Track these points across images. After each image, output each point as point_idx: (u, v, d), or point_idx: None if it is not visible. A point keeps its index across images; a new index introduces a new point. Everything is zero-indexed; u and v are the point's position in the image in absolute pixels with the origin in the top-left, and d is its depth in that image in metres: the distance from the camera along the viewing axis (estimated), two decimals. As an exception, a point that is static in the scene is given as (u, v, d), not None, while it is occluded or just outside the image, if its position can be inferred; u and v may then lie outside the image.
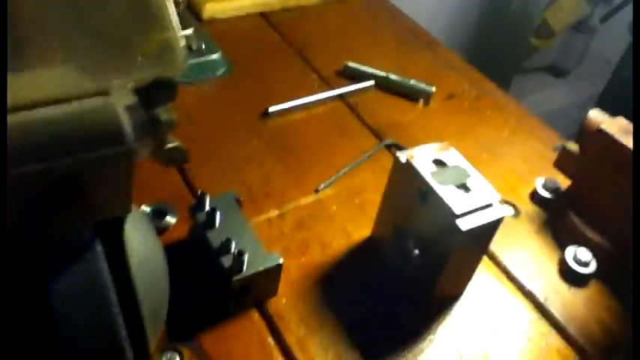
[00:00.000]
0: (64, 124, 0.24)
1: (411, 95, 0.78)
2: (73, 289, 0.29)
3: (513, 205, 0.65)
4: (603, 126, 0.57)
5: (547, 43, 1.85)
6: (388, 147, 0.70)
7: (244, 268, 0.46)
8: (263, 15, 0.90)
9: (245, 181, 0.62)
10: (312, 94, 0.74)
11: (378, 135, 0.71)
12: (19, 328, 0.28)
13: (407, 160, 0.50)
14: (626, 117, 0.58)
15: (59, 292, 0.29)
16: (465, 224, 0.46)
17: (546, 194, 0.64)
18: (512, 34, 1.89)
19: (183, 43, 0.27)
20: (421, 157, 0.51)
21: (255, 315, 0.50)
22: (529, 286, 0.56)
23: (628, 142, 0.56)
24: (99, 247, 0.30)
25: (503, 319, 0.53)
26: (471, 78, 0.84)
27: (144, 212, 0.49)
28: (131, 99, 0.26)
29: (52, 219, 0.27)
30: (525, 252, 0.60)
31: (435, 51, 0.89)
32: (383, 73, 0.78)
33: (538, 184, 0.65)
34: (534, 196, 0.65)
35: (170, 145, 0.30)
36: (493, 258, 0.59)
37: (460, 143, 0.72)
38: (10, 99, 0.23)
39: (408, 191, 0.51)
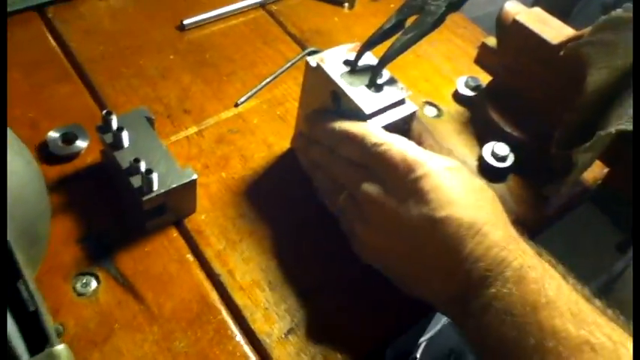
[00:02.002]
0: None
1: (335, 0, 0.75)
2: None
3: (436, 106, 0.65)
4: (518, 17, 0.56)
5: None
6: (310, 54, 0.68)
7: (155, 186, 0.45)
8: None
9: (162, 97, 0.60)
10: (231, 3, 0.71)
11: (301, 43, 0.69)
12: None
13: (317, 64, 0.49)
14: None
15: None
16: (376, 123, 0.46)
17: (468, 92, 0.64)
18: None
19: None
20: (332, 59, 0.49)
21: (174, 232, 0.50)
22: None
23: (544, 31, 0.55)
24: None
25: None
26: (398, -23, 0.81)
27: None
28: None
29: None
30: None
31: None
32: (304, -23, 0.75)
33: (460, 82, 0.65)
34: (457, 95, 0.65)
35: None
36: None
37: (385, 45, 0.71)
38: None
39: (321, 96, 0.50)
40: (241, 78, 0.63)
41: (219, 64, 0.64)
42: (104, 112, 0.48)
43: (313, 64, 0.49)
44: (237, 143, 0.57)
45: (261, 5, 0.73)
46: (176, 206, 0.49)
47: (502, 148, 0.58)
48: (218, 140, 0.57)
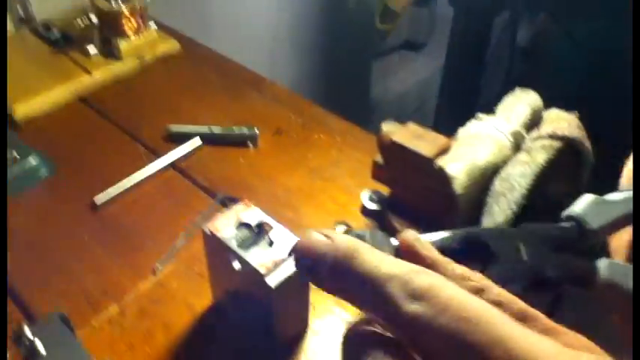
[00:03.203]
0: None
1: (240, 141, 0.80)
2: None
3: (346, 224, 0.68)
4: (395, 138, 0.61)
5: (393, 25, 1.94)
6: (223, 202, 0.71)
7: (74, 390, 0.46)
8: (82, 99, 0.89)
9: (80, 283, 0.61)
10: (142, 169, 0.75)
11: (212, 193, 0.73)
12: None
13: (211, 232, 0.52)
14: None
15: None
16: (273, 280, 0.48)
17: (373, 206, 0.68)
18: (359, 25, 1.96)
19: None
20: (224, 224, 0.52)
21: None
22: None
23: (418, 146, 0.60)
24: None
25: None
26: (296, 107, 0.87)
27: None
28: None
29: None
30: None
31: (260, 88, 0.91)
32: (205, 129, 0.80)
33: (363, 197, 0.69)
34: (364, 210, 0.69)
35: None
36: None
37: (293, 176, 0.75)
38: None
39: (222, 259, 0.52)
40: (157, 244, 0.66)
41: (135, 235, 0.67)
42: (13, 325, 0.49)
43: (208, 232, 0.52)
44: (159, 313, 0.59)
45: (172, 165, 0.76)
46: (101, 401, 0.49)
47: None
48: (140, 315, 0.58)
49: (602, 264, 0.30)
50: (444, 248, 0.29)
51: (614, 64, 1.01)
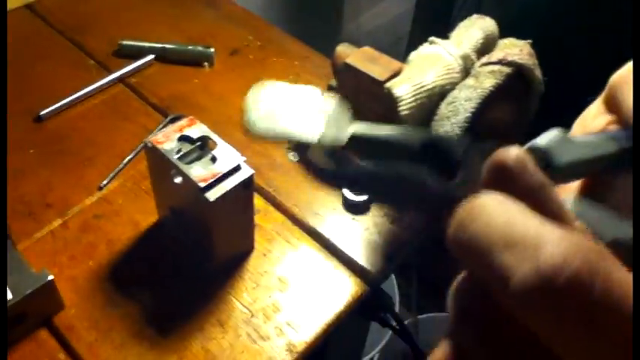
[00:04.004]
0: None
1: (194, 61, 0.77)
2: None
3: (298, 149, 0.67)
4: (348, 59, 0.60)
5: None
6: (173, 121, 0.69)
7: (9, 296, 0.46)
8: (29, 6, 0.84)
9: (23, 195, 0.60)
10: (90, 83, 0.72)
11: (162, 111, 0.71)
12: None
13: (152, 144, 0.51)
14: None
15: None
16: (213, 194, 0.48)
17: (325, 132, 0.67)
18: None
19: None
20: (167, 138, 0.51)
21: (44, 334, 0.50)
22: (316, 226, 0.60)
23: (371, 70, 0.59)
24: None
25: (294, 265, 0.56)
26: (255, 28, 0.84)
27: None
28: None
29: None
30: (310, 193, 0.63)
31: (217, 6, 0.88)
32: (159, 45, 0.77)
33: (317, 123, 0.68)
34: (317, 136, 0.68)
35: None
36: (279, 207, 0.61)
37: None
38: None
39: (164, 173, 0.52)
40: (103, 160, 0.64)
41: (81, 150, 0.65)
42: (-52, 232, 0.48)
43: (149, 144, 0.51)
44: (103, 228, 0.58)
45: (120, 80, 0.74)
46: (39, 310, 0.49)
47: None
48: (83, 229, 0.58)
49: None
50: (404, 146, 0.28)
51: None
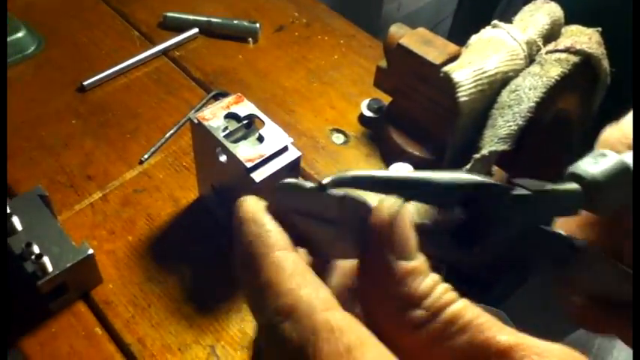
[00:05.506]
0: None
1: (239, 36, 0.75)
2: None
3: (343, 132, 0.65)
4: (402, 40, 0.57)
5: None
6: (216, 97, 0.68)
7: (50, 268, 0.45)
8: (75, -25, 0.83)
9: (64, 167, 0.60)
10: (134, 55, 0.71)
11: (205, 86, 0.69)
12: None
13: (199, 121, 0.49)
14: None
15: None
16: (259, 175, 0.46)
17: (371, 114, 0.65)
18: None
19: None
20: (214, 115, 0.50)
21: (82, 307, 0.49)
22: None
23: (426, 52, 0.56)
24: None
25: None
26: (301, 4, 0.82)
27: None
28: None
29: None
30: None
31: (264, -20, 0.85)
32: (204, 18, 0.75)
33: (363, 105, 0.66)
34: (362, 118, 0.66)
35: None
36: (323, 192, 0.59)
37: (291, 76, 0.72)
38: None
39: (209, 150, 0.50)
40: (145, 133, 0.63)
41: (123, 123, 0.64)
42: (-8, 199, 0.48)
43: (195, 121, 0.49)
44: (143, 203, 0.57)
45: (164, 53, 0.73)
46: (78, 282, 0.49)
47: (405, 169, 0.58)
48: (123, 203, 0.57)
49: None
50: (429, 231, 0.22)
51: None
